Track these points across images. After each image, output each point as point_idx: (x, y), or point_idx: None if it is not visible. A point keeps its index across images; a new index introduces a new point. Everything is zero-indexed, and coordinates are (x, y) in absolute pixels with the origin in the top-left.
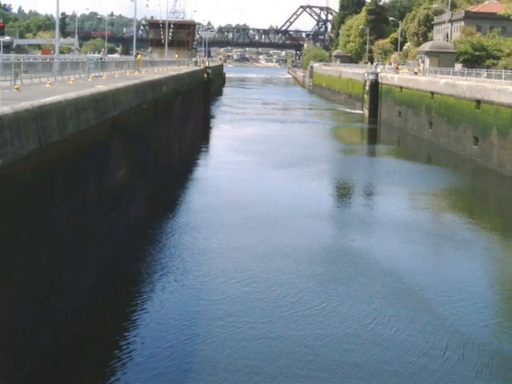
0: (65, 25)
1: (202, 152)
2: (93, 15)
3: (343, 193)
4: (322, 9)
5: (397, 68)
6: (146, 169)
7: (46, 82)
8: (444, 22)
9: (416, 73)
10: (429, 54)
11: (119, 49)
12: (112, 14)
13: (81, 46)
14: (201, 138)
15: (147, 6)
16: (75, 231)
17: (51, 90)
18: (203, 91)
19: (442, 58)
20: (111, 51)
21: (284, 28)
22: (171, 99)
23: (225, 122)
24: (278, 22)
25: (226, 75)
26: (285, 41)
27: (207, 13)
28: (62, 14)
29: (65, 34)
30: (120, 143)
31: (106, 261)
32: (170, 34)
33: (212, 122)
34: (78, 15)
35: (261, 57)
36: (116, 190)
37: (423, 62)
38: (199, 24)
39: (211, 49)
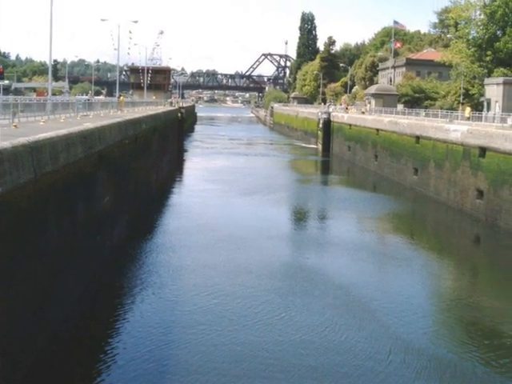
0: (57, 70)
1: (176, 181)
2: (81, 62)
3: (299, 217)
4: (281, 56)
5: (346, 108)
6: (128, 196)
7: (40, 120)
8: (388, 68)
9: (363, 112)
10: (374, 95)
11: (104, 91)
12: (98, 61)
13: (71, 88)
14: (175, 169)
15: (128, 54)
16: (66, 250)
17: (45, 127)
18: (177, 128)
19: (386, 99)
20: (97, 93)
21: (248, 73)
22: (150, 135)
23: (196, 155)
24: (242, 68)
25: (198, 114)
26: (248, 84)
27: (181, 60)
28: (54, 60)
29: (57, 78)
30: (105, 174)
31: (92, 276)
32: (149, 78)
33: (185, 155)
34: (68, 62)
35: (228, 98)
36: (101, 214)
37: (369, 102)
38: (174, 69)
39: (184, 91)
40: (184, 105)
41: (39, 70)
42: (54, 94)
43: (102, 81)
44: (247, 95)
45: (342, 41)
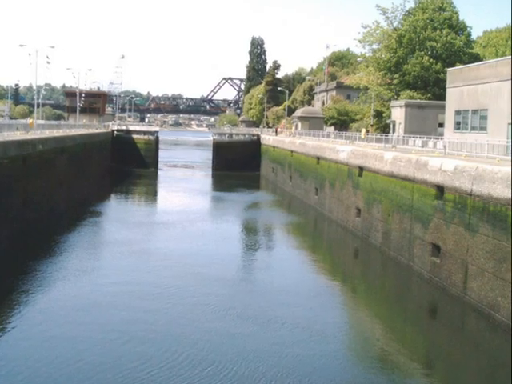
0: (17, 94)
1: (98, 202)
2: (47, 86)
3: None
4: (241, 80)
5: (276, 131)
6: (8, 215)
7: None
8: (321, 91)
9: (290, 135)
10: (301, 118)
11: (66, 115)
12: (64, 85)
13: (31, 112)
14: (101, 190)
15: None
16: None
17: None
18: (110, 148)
19: (312, 122)
20: (58, 118)
21: (209, 97)
22: (52, 156)
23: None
24: (206, 92)
25: (160, 138)
26: (211, 108)
27: (147, 84)
28: (16, 85)
29: (18, 102)
30: None
31: None
32: (82, 102)
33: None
34: (34, 86)
35: (193, 122)
36: None
37: (296, 125)
38: (138, 94)
39: (149, 115)
40: (122, 127)
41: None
42: None
43: (61, 105)
44: (212, 119)
45: (310, 65)
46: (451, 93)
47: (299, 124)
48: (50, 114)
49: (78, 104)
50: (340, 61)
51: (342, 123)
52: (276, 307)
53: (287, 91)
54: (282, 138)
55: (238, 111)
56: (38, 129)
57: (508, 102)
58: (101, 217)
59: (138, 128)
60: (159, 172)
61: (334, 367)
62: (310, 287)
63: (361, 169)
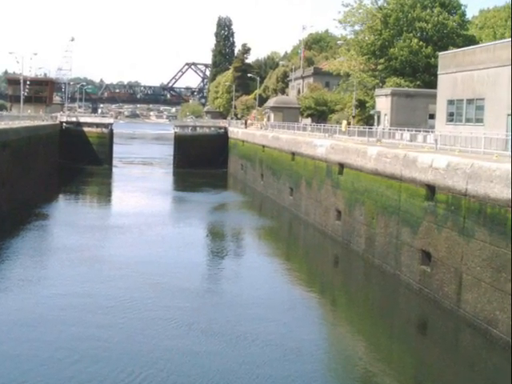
0: None
1: (46, 202)
2: None
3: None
4: (206, 66)
5: (245, 123)
6: None
7: None
8: (297, 79)
9: (261, 128)
10: (273, 109)
11: (9, 105)
12: (6, 71)
13: None
14: (48, 190)
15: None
16: None
17: None
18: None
19: (286, 113)
20: (0, 108)
21: (170, 85)
22: None
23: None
24: (166, 80)
25: (116, 131)
26: (172, 97)
27: (99, 70)
28: None
29: None
30: None
31: None
32: (26, 90)
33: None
34: None
35: (151, 113)
36: None
37: (268, 117)
38: (90, 81)
39: (102, 105)
40: (71, 119)
41: None
42: None
43: (3, 94)
44: (173, 110)
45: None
46: (443, 80)
47: (272, 115)
48: None
49: (22, 92)
50: (318, 44)
51: (320, 114)
52: (246, 322)
53: (258, 78)
54: (253, 131)
55: (203, 101)
56: None
57: (507, 91)
58: (48, 220)
59: (89, 120)
60: (114, 169)
61: None
62: (284, 299)
63: (341, 166)
